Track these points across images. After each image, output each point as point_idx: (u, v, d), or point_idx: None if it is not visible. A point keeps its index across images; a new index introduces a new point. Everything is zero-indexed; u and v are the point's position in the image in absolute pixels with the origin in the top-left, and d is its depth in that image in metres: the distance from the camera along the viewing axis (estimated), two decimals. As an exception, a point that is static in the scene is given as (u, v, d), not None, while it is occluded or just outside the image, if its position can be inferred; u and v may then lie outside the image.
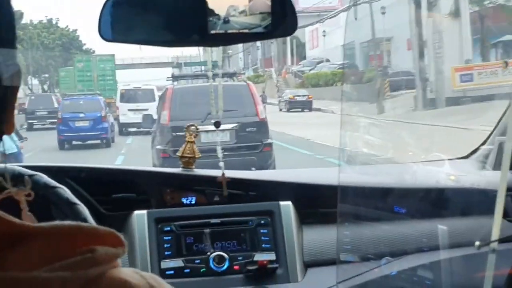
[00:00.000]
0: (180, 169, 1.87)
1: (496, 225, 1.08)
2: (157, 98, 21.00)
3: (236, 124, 9.09)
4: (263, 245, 1.72)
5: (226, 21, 1.34)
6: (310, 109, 26.45)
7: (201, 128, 7.40)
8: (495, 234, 1.06)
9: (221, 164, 1.78)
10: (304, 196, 1.83)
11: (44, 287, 0.51)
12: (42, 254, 0.53)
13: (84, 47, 49.73)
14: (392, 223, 1.75)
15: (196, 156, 1.85)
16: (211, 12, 1.33)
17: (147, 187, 1.84)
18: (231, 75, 10.77)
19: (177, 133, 8.49)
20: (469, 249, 1.71)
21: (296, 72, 36.62)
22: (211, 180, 1.81)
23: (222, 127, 8.42)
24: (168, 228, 1.72)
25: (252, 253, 1.70)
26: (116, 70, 33.23)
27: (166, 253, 1.69)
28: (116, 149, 16.23)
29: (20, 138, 9.78)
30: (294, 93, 27.84)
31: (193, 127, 1.90)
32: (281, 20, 1.37)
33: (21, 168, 1.37)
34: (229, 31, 1.35)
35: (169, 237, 1.71)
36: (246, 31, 1.37)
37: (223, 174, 1.76)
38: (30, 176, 1.35)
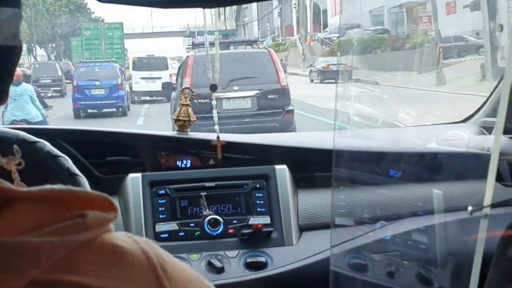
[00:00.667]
0: (175, 132, 1.85)
1: (489, 190, 1.07)
2: (170, 67, 20.59)
3: (257, 91, 9.06)
4: (258, 209, 1.72)
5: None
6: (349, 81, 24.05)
7: (222, 95, 8.08)
8: (488, 199, 1.06)
9: (216, 127, 1.77)
10: (299, 159, 1.83)
11: (32, 252, 0.50)
12: (31, 219, 0.52)
13: (92, 15, 48.49)
14: (387, 187, 1.75)
15: (192, 119, 1.83)
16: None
17: (142, 150, 1.83)
18: (251, 43, 10.66)
19: (199, 100, 8.52)
20: (463, 213, 1.71)
21: (323, 39, 33.20)
22: (206, 143, 1.80)
23: (243, 93, 8.88)
24: (163, 191, 1.72)
25: (247, 217, 1.71)
26: (126, 40, 32.62)
27: (160, 216, 1.69)
28: (134, 117, 15.93)
29: (45, 106, 9.68)
30: (328, 61, 23.18)
31: (187, 89, 1.88)
32: None
33: (24, 134, 1.36)
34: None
35: (164, 200, 1.71)
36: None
37: (218, 137, 1.75)
38: (33, 142, 1.33)
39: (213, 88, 1.76)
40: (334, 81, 20.53)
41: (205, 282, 0.59)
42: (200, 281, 0.58)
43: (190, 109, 1.84)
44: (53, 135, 1.69)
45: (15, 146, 0.84)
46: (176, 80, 10.69)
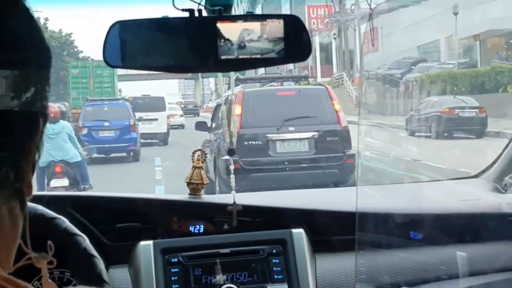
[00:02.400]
0: (187, 196, 1.80)
1: None
2: (167, 107, 19.82)
3: (315, 133, 8.30)
4: (275, 276, 1.65)
5: (238, 46, 1.29)
6: (482, 134, 12.73)
7: (276, 136, 8.56)
8: None
9: (233, 192, 1.72)
10: (316, 222, 1.77)
11: None
12: None
13: (80, 55, 44.83)
14: (409, 250, 1.69)
15: (204, 182, 1.78)
16: (223, 37, 1.28)
17: (153, 215, 1.77)
18: (299, 79, 9.94)
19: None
20: (488, 276, 1.66)
21: (387, 76, 24.94)
22: (220, 207, 1.74)
23: (300, 135, 8.73)
24: (176, 260, 1.65)
25: (264, 285, 1.63)
26: (120, 82, 30.85)
27: (174, 286, 1.62)
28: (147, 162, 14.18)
29: (82, 144, 9.21)
30: (454, 103, 13.80)
31: (200, 151, 1.83)
32: (295, 45, 1.32)
33: (43, 209, 1.31)
34: (241, 57, 1.30)
35: (177, 269, 1.64)
36: (258, 56, 1.32)
37: (234, 202, 1.69)
38: (52, 219, 1.29)
39: (231, 152, 1.72)
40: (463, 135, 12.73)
41: None
42: None
43: (202, 172, 1.80)
44: (61, 203, 1.64)
45: (49, 242, 0.79)
46: (212, 120, 10.09)
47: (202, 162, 1.82)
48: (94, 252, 1.27)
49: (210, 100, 55.41)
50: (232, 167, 1.81)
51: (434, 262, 1.67)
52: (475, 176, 2.41)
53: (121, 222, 1.75)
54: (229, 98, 9.00)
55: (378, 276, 1.64)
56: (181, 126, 26.48)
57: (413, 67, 24.19)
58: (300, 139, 8.37)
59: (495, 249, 1.75)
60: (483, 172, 2.37)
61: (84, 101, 23.15)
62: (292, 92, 9.06)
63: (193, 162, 1.82)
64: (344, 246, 1.72)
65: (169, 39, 1.30)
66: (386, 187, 2.19)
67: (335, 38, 33.11)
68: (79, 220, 1.62)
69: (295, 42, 1.31)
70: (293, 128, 8.34)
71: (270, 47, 1.31)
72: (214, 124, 9.72)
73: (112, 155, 14.94)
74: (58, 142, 7.86)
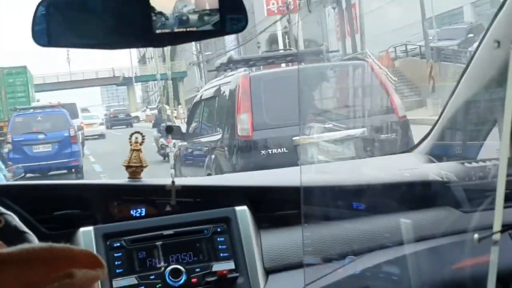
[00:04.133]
0: (127, 179, 1.76)
1: (498, 214, 1.03)
2: (80, 115, 16.46)
3: (362, 129, 5.52)
4: (221, 254, 1.63)
5: (173, 19, 1.26)
6: None
7: (306, 138, 4.01)
8: (497, 225, 1.02)
9: (172, 171, 1.69)
10: (259, 199, 1.76)
11: None
12: (16, 284, 0.48)
13: None
14: (353, 221, 1.70)
15: (144, 165, 1.75)
16: (156, 11, 1.25)
17: (92, 201, 1.72)
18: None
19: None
20: (432, 241, 1.69)
21: (436, 49, 18.62)
22: (161, 189, 1.71)
23: (341, 134, 4.96)
24: (118, 244, 1.61)
25: (210, 264, 1.62)
26: (37, 93, 27.43)
27: (117, 270, 1.58)
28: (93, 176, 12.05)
29: (6, 165, 7.67)
30: None
31: (137, 133, 1.79)
32: (231, 17, 1.30)
33: None
34: (176, 30, 1.27)
35: (120, 254, 1.60)
36: (194, 29, 1.29)
37: (173, 182, 1.66)
38: None
39: (169, 130, 1.68)
40: None
41: None
42: None
43: (141, 154, 1.75)
44: None
45: None
46: (188, 123, 7.70)
47: (140, 145, 1.78)
48: (25, 228, 1.22)
49: (146, 107, 49.71)
50: (168, 143, 1.75)
51: (378, 230, 1.69)
52: (408, 151, 2.46)
53: (59, 210, 1.69)
54: (219, 88, 6.55)
55: (324, 247, 1.65)
56: (101, 136, 24.14)
57: (470, 35, 18.79)
58: (342, 140, 5.46)
59: (437, 215, 1.79)
60: (415, 147, 2.43)
61: (10, 111, 20.07)
62: (322, 72, 6.24)
63: (131, 145, 1.77)
64: (287, 220, 1.72)
65: (101, 14, 1.25)
66: (327, 165, 2.20)
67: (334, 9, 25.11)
68: (15, 210, 1.56)
69: (231, 13, 1.29)
70: (330, 125, 5.36)
71: (206, 19, 1.28)
72: (191, 129, 7.41)
73: (51, 173, 12.56)
74: None
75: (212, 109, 6.84)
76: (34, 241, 1.24)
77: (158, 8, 1.25)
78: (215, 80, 7.36)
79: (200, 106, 7.42)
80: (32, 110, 14.83)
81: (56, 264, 0.50)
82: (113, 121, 39.57)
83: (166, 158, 14.43)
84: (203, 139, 6.86)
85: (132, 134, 1.77)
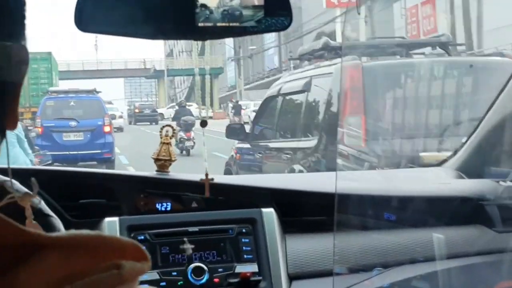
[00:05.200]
0: (155, 172, 1.73)
1: None
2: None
3: None
4: (245, 256, 1.60)
5: (216, 13, 1.23)
6: None
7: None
8: None
9: (206, 164, 1.65)
10: (287, 203, 1.72)
11: None
12: (61, 269, 0.45)
13: None
14: (384, 232, 1.66)
15: (172, 158, 1.72)
16: (200, 3, 1.22)
17: (119, 192, 1.70)
18: (437, 46, 5.16)
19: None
20: (464, 259, 1.65)
21: None
22: (189, 184, 1.68)
23: None
24: (142, 237, 1.59)
25: (233, 265, 1.58)
26: (60, 81, 26.53)
27: None
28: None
29: (33, 150, 7.10)
30: None
31: (168, 126, 1.76)
32: (275, 14, 1.27)
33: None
34: (218, 24, 1.24)
35: (143, 247, 1.57)
36: (237, 24, 1.26)
37: (207, 175, 1.63)
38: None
39: (203, 124, 1.64)
40: None
41: None
42: None
43: (171, 148, 1.73)
44: (22, 175, 1.55)
45: (32, 179, 0.75)
46: (255, 122, 6.47)
47: (171, 138, 1.75)
48: (50, 211, 1.20)
49: (176, 104, 48.26)
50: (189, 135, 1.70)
51: (409, 244, 1.64)
52: (438, 165, 2.41)
53: (85, 198, 1.67)
54: (310, 81, 5.06)
55: (353, 257, 1.61)
56: (119, 129, 22.09)
57: None
58: None
59: (469, 233, 1.74)
60: (445, 161, 2.38)
61: (33, 97, 19.63)
62: (460, 67, 4.77)
63: (161, 138, 1.75)
64: (314, 227, 1.69)
65: (144, 3, 1.23)
66: (361, 173, 2.16)
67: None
68: (42, 195, 1.54)
69: (276, 11, 1.26)
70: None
71: (250, 15, 1.25)
72: (257, 130, 6.26)
73: (80, 163, 10.87)
74: (4, 147, 6.19)
75: (297, 107, 5.39)
76: (59, 225, 1.23)
77: (202, 0, 1.23)
78: (300, 70, 5.63)
79: (275, 102, 5.95)
80: (64, 94, 13.41)
81: (105, 254, 0.48)
82: (138, 117, 35.72)
83: (184, 152, 14.35)
84: (279, 144, 5.63)
85: (163, 127, 1.75)
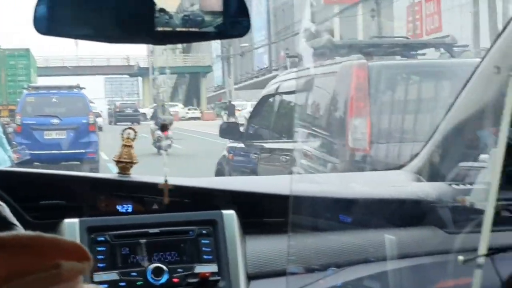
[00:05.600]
0: (116, 174, 1.75)
1: (484, 238, 1.04)
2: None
3: None
4: (205, 256, 1.63)
5: (176, 18, 1.26)
6: None
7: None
8: (483, 248, 1.02)
9: (166, 169, 1.68)
10: (247, 205, 1.76)
11: None
12: (2, 269, 0.47)
13: None
14: (338, 233, 1.71)
15: (134, 161, 1.74)
16: (159, 8, 1.25)
17: (79, 193, 1.71)
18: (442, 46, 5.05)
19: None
20: (414, 259, 1.70)
21: None
22: (150, 187, 1.70)
23: None
24: (102, 238, 1.60)
25: (193, 265, 1.61)
26: (39, 77, 26.18)
27: (99, 265, 1.57)
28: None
29: (11, 146, 6.88)
30: None
31: (129, 129, 1.78)
32: (234, 20, 1.30)
33: None
34: (178, 29, 1.27)
35: (103, 248, 1.59)
36: (196, 29, 1.29)
37: (166, 180, 1.66)
38: None
39: (164, 128, 1.67)
40: None
41: None
42: None
43: (132, 150, 1.75)
44: None
45: None
46: (249, 122, 6.33)
47: (132, 141, 1.77)
48: (15, 220, 1.21)
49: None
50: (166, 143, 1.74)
51: (362, 244, 1.70)
52: (398, 168, 2.47)
53: (45, 199, 1.68)
54: (312, 80, 4.70)
55: (308, 257, 1.65)
56: (99, 129, 23.18)
57: None
58: None
59: (421, 234, 1.80)
60: (404, 165, 2.44)
61: (10, 95, 19.49)
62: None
63: (122, 140, 1.77)
64: (274, 228, 1.73)
65: (104, 6, 1.25)
66: (318, 176, 2.21)
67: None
68: (1, 195, 1.55)
69: (234, 17, 1.29)
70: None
71: (209, 21, 1.28)
72: (251, 129, 6.08)
73: (62, 163, 10.53)
74: None
75: (296, 107, 5.20)
76: (5, 211, 1.23)
77: (162, 5, 1.25)
78: (299, 68, 5.22)
79: (272, 101, 5.75)
80: (46, 90, 12.63)
81: (44, 254, 0.49)
82: (119, 116, 33.70)
83: (161, 151, 14.27)
84: (276, 145, 5.34)
85: (125, 129, 1.77)
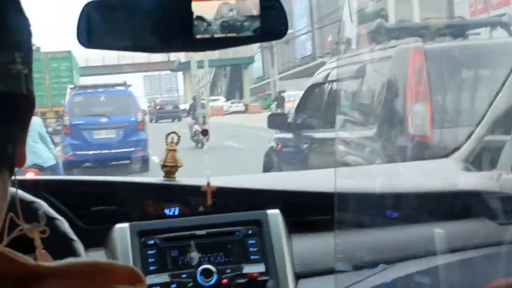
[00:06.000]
0: (162, 178, 1.78)
1: None
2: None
3: None
4: (252, 257, 1.65)
5: (214, 25, 1.27)
6: None
7: None
8: None
9: (207, 172, 1.70)
10: (292, 203, 1.77)
11: None
12: None
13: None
14: (386, 229, 1.70)
15: (179, 164, 1.77)
16: (197, 16, 1.26)
17: (128, 198, 1.75)
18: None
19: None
20: (465, 253, 1.68)
21: None
22: (195, 189, 1.73)
23: None
24: (152, 242, 1.64)
25: (240, 266, 1.63)
26: (80, 77, 26.81)
27: (151, 268, 1.61)
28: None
29: (54, 144, 7.02)
30: None
31: (173, 134, 1.81)
32: (272, 23, 1.30)
33: (23, 193, 1.27)
34: (216, 35, 1.28)
35: (153, 251, 1.63)
36: (234, 35, 1.30)
37: (208, 183, 1.68)
38: (31, 202, 1.26)
39: (205, 133, 1.69)
40: None
41: None
42: None
43: (176, 154, 1.78)
44: (36, 187, 1.61)
45: (40, 211, 0.79)
46: (298, 110, 6.18)
47: (176, 145, 1.80)
48: (73, 236, 1.25)
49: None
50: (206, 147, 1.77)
51: (411, 239, 1.68)
52: (445, 156, 2.44)
53: (96, 206, 1.72)
54: (364, 66, 4.66)
55: (356, 255, 1.65)
56: None
57: None
58: None
59: (471, 226, 1.78)
60: (452, 152, 2.40)
61: (54, 97, 19.39)
62: None
63: (166, 144, 1.80)
64: (320, 226, 1.73)
65: (143, 18, 1.27)
66: (362, 168, 2.20)
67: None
68: (54, 204, 1.60)
69: (272, 20, 1.30)
70: None
71: (246, 25, 1.29)
72: (300, 119, 5.95)
73: (113, 163, 10.27)
74: (28, 143, 6.15)
75: (344, 95, 4.95)
76: (80, 250, 1.27)
77: (199, 13, 1.27)
78: (350, 55, 4.89)
79: (321, 90, 5.63)
80: (93, 89, 12.40)
81: (101, 279, 0.51)
82: (159, 114, 33.99)
83: (199, 145, 14.36)
84: (327, 135, 5.11)
85: (168, 134, 1.80)
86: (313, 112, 6.00)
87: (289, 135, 6.10)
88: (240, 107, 40.56)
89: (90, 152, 10.21)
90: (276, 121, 6.26)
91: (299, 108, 6.19)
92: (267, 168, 6.48)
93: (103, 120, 11.01)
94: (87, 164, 9.78)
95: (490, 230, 1.77)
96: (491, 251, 1.68)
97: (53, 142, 7.02)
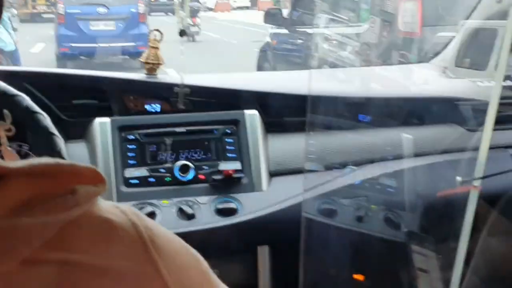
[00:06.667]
0: (144, 75, 1.82)
1: (480, 163, 1.08)
2: None
3: None
4: (228, 154, 1.72)
5: None
6: None
7: None
8: (479, 171, 1.07)
9: (181, 73, 1.73)
10: (269, 104, 1.82)
11: (25, 234, 0.49)
12: (21, 196, 0.50)
13: None
14: (357, 132, 1.76)
15: (161, 62, 1.80)
16: None
17: (109, 93, 1.79)
18: None
19: None
20: (431, 157, 1.75)
21: None
22: (176, 87, 1.77)
23: None
24: (132, 137, 1.70)
25: (217, 163, 1.70)
26: None
27: (130, 161, 1.67)
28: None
29: (13, 29, 6.83)
30: None
31: (155, 31, 1.83)
32: None
33: (4, 85, 1.30)
34: None
35: (133, 146, 1.69)
36: None
37: (182, 83, 1.72)
38: (13, 96, 1.28)
39: (182, 33, 1.71)
40: None
41: (193, 251, 0.59)
42: (189, 251, 0.59)
43: (159, 52, 1.80)
44: (19, 78, 1.64)
45: (5, 111, 0.82)
46: (294, 6, 6.18)
47: (158, 42, 1.82)
48: (54, 130, 1.29)
49: None
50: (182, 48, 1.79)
51: (380, 143, 1.75)
52: (425, 61, 2.47)
53: (77, 99, 1.76)
54: None
55: (327, 156, 1.72)
56: None
57: None
58: None
59: (438, 132, 1.84)
60: (432, 57, 2.43)
61: None
62: None
63: (149, 42, 1.82)
64: (295, 127, 1.79)
65: None
66: (338, 71, 2.23)
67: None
68: (37, 96, 1.63)
69: None
70: None
71: None
72: (296, 14, 5.91)
73: (110, 58, 9.32)
74: None
75: None
76: (60, 144, 1.31)
77: None
78: None
79: None
80: None
81: (60, 180, 0.53)
82: (153, 6, 28.69)
83: (191, 39, 14.50)
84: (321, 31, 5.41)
85: (151, 31, 1.81)
86: (308, 8, 5.85)
87: (284, 31, 6.16)
88: (246, 1, 39.01)
89: (86, 45, 9.41)
90: (272, 16, 6.28)
91: (295, 4, 6.32)
92: (261, 62, 6.65)
93: (101, 10, 10.10)
94: (82, 57, 9.10)
95: (457, 136, 1.84)
96: (456, 156, 1.75)
97: (13, 28, 6.71)
